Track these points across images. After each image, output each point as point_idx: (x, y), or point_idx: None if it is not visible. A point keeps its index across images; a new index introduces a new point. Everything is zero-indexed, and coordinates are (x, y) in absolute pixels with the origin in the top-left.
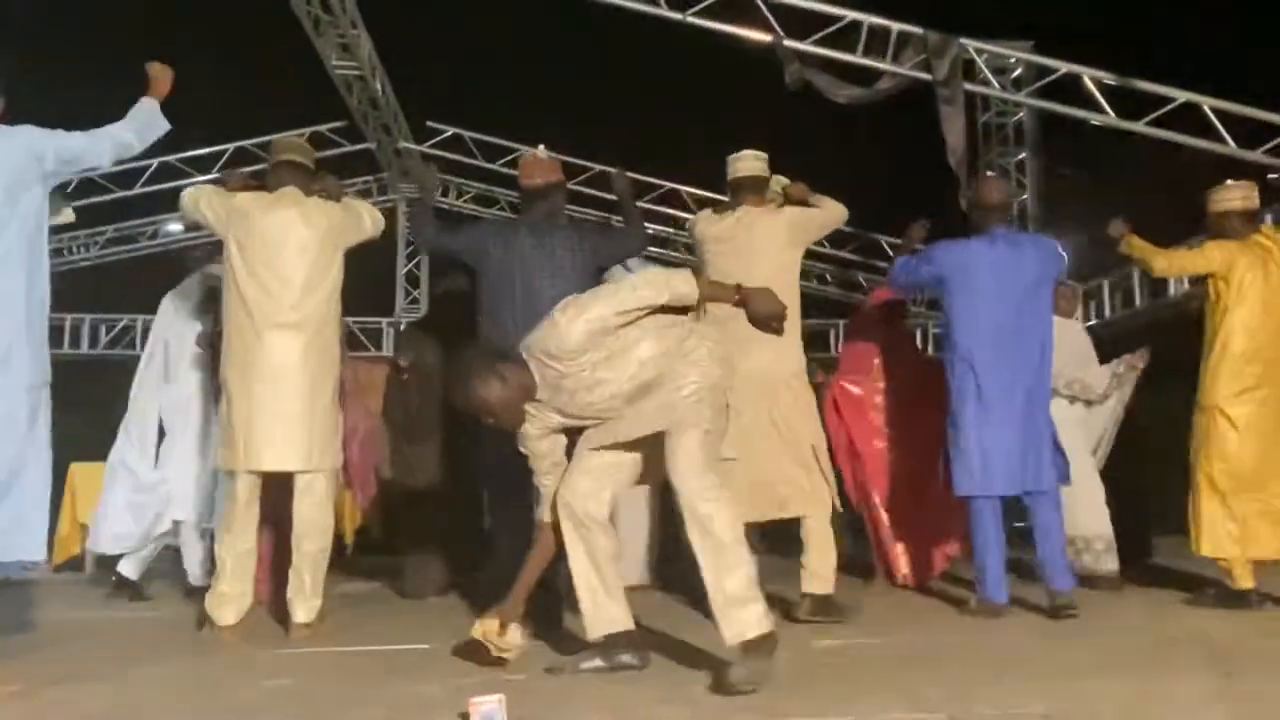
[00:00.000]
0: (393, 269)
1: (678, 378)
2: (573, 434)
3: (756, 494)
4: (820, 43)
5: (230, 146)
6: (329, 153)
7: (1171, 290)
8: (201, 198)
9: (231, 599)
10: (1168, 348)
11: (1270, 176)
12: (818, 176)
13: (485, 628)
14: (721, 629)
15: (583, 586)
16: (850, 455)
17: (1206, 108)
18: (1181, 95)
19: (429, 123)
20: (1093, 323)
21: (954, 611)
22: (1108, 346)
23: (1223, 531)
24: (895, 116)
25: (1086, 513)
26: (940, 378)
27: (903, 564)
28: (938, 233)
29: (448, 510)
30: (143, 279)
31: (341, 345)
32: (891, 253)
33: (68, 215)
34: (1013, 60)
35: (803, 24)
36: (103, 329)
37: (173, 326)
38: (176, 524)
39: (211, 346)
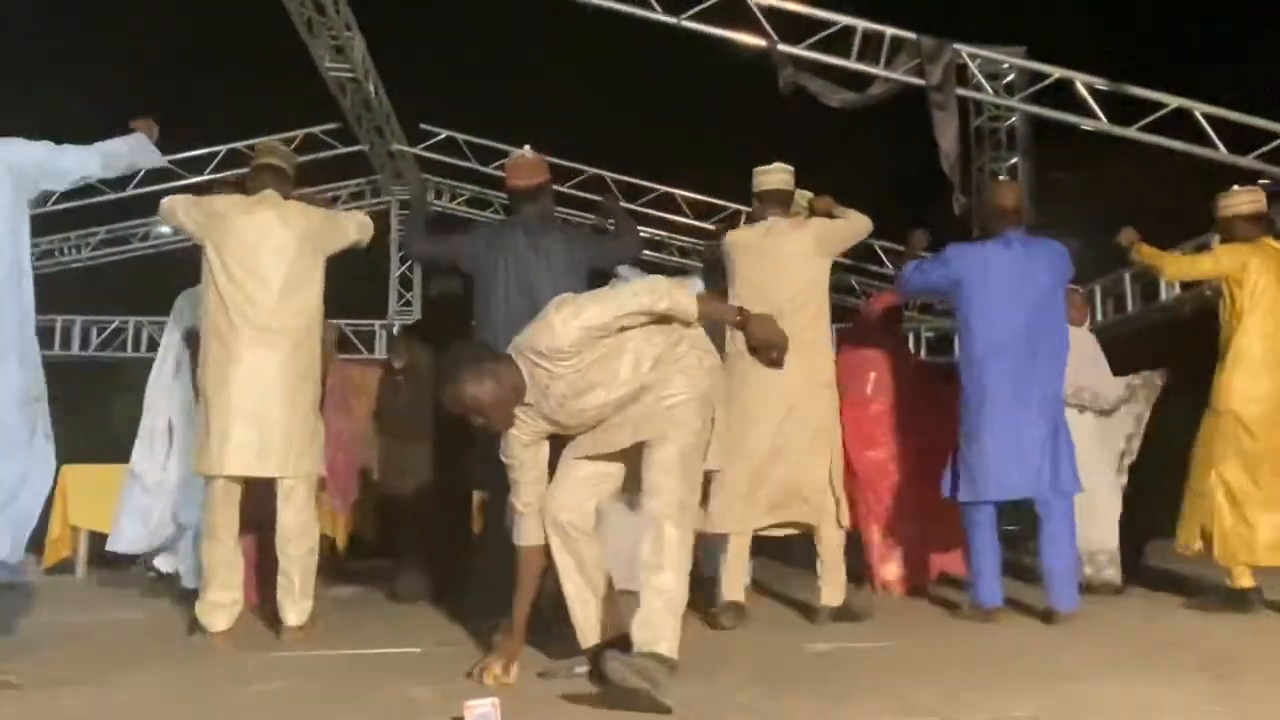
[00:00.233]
0: (386, 271)
1: (665, 386)
2: (555, 447)
3: (790, 501)
4: (814, 47)
5: (223, 149)
6: (322, 155)
7: (1163, 295)
8: (179, 204)
9: (222, 606)
10: (1159, 352)
11: (1261, 182)
12: (811, 181)
13: (491, 673)
14: (634, 629)
15: (574, 596)
16: (844, 465)
17: (1198, 113)
18: (1174, 101)
19: (422, 125)
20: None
21: (947, 615)
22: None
23: (1238, 539)
24: (888, 121)
25: (1094, 524)
26: (934, 385)
27: (888, 572)
28: (932, 237)
29: (438, 514)
30: (134, 281)
31: (329, 348)
32: (884, 257)
33: None
34: (1005, 66)
35: (797, 29)
36: (94, 331)
37: (185, 326)
38: (180, 526)
39: (190, 347)
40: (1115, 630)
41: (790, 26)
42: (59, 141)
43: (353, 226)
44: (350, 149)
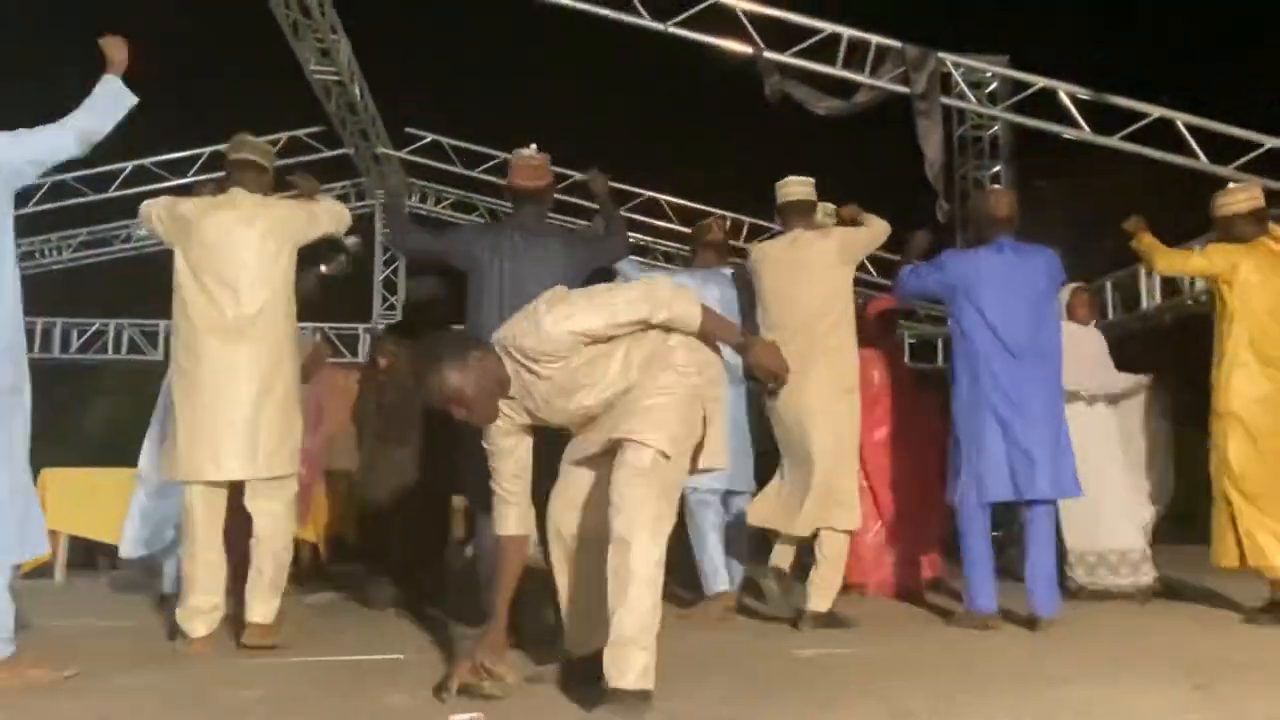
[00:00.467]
0: (370, 274)
1: (649, 384)
2: (554, 444)
3: (821, 504)
4: (800, 55)
5: (206, 150)
6: (306, 158)
7: (1144, 303)
8: (153, 210)
9: (202, 612)
10: (1138, 359)
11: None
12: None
13: (463, 675)
14: (606, 664)
15: (566, 603)
16: None
17: (1180, 123)
18: (1155, 111)
19: (407, 129)
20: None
21: (934, 620)
22: None
23: (1265, 538)
24: (873, 129)
25: (1115, 525)
26: (922, 391)
27: (879, 575)
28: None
29: (416, 518)
30: (116, 283)
31: (315, 361)
32: (867, 263)
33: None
34: (989, 75)
35: (783, 36)
36: (75, 333)
37: None
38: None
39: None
40: (1100, 636)
41: (776, 34)
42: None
43: (326, 217)
44: (334, 152)
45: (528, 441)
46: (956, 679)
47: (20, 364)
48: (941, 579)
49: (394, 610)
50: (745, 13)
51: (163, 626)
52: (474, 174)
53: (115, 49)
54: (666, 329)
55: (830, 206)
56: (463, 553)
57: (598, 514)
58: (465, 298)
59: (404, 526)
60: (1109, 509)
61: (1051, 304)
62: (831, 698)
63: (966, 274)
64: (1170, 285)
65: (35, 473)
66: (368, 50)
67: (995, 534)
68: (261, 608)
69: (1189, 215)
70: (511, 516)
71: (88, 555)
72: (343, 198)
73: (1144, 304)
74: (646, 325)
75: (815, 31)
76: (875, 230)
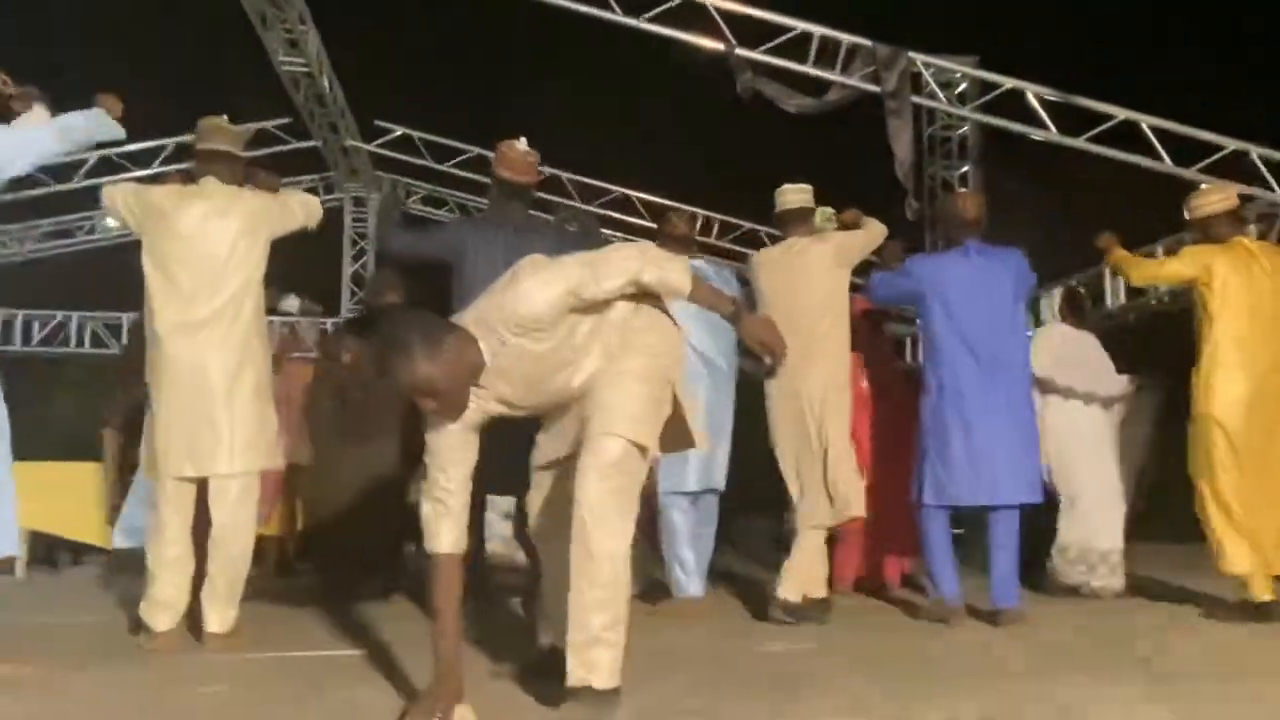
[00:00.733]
0: (338, 270)
1: (620, 368)
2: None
3: (848, 490)
4: (771, 52)
5: (171, 142)
6: (274, 149)
7: (1109, 302)
8: (119, 195)
9: (165, 605)
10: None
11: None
12: (767, 184)
13: None
14: (569, 663)
15: (548, 588)
16: None
17: (1145, 125)
18: (1121, 113)
19: (377, 122)
20: (1029, 334)
21: (898, 615)
22: None
23: (1236, 547)
24: (844, 127)
25: (1094, 523)
26: (910, 390)
27: (849, 570)
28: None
29: (380, 515)
30: (79, 275)
31: (279, 337)
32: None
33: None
34: (959, 75)
35: (754, 33)
36: (35, 325)
37: None
38: None
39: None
40: (1062, 632)
41: (748, 31)
42: None
43: (300, 210)
44: (303, 144)
45: (475, 446)
46: (918, 673)
47: None
48: (914, 575)
49: (358, 606)
50: (717, 9)
51: (126, 622)
52: (444, 168)
53: (112, 105)
54: (636, 304)
55: (829, 211)
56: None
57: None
58: (443, 292)
59: (366, 524)
60: (1098, 509)
61: (1019, 307)
62: (795, 691)
63: (933, 278)
64: (1133, 288)
65: None
66: (337, 42)
67: (957, 531)
68: (217, 618)
69: (1154, 217)
70: (447, 531)
71: (48, 551)
72: (311, 191)
73: (1109, 303)
74: (635, 286)
75: (787, 29)
76: (872, 233)
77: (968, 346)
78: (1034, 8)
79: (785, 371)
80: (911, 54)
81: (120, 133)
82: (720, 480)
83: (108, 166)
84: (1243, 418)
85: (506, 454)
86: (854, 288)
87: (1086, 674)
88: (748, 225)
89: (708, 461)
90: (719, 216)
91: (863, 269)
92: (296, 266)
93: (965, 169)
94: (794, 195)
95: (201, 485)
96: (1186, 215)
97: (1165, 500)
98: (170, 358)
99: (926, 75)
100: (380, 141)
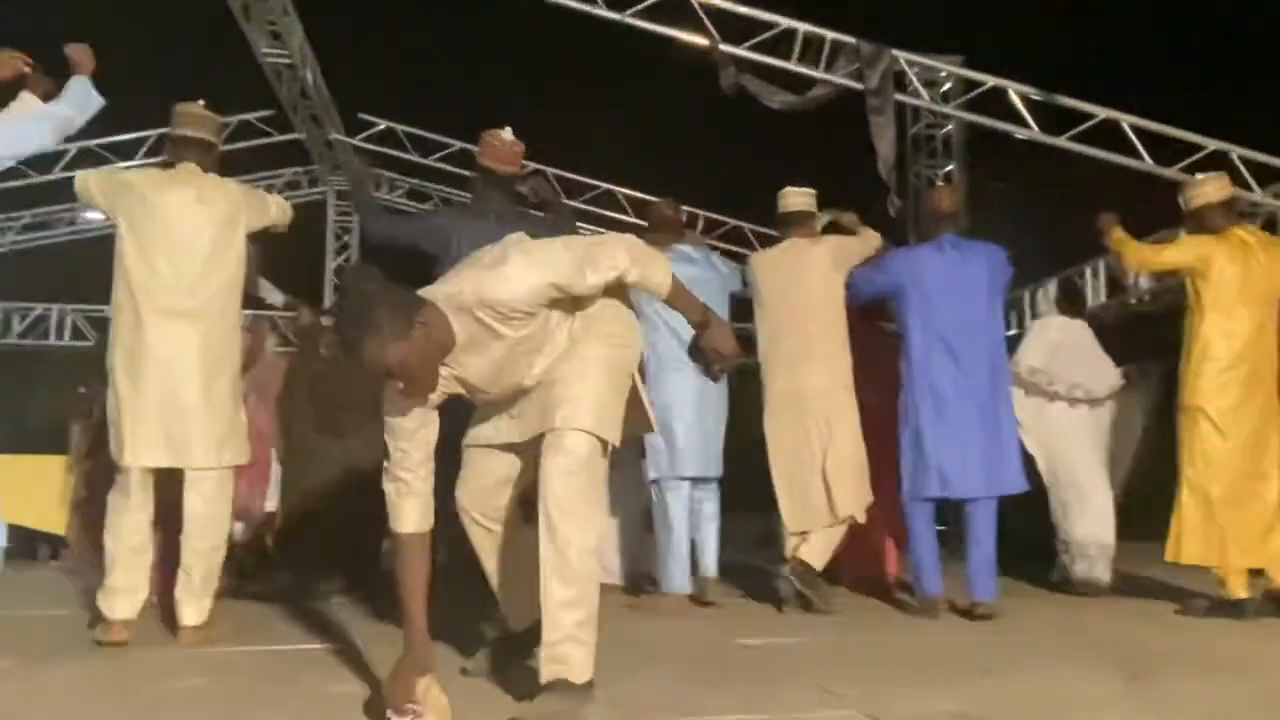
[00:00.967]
0: (322, 263)
1: (574, 361)
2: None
3: (841, 493)
4: (756, 49)
5: (153, 133)
6: (257, 142)
7: (1089, 300)
8: (91, 180)
9: (122, 593)
10: None
11: (1180, 199)
12: (751, 181)
13: (394, 700)
14: (543, 660)
15: (500, 583)
16: None
17: (1125, 125)
18: (1102, 112)
19: (361, 115)
20: (1014, 332)
21: (884, 613)
22: None
23: (1204, 538)
24: (828, 124)
25: (1087, 518)
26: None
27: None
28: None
29: (357, 510)
30: (59, 267)
31: (258, 346)
32: None
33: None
34: (944, 74)
35: (739, 29)
36: (16, 318)
37: None
38: None
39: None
40: (1037, 626)
41: (733, 27)
42: None
43: (273, 205)
44: (286, 137)
45: (435, 425)
46: (895, 667)
47: None
48: (901, 575)
49: (333, 601)
50: (702, 5)
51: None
52: (428, 162)
53: (82, 55)
54: (606, 300)
55: (825, 219)
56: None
57: (518, 493)
58: (425, 284)
59: (342, 519)
60: (1101, 502)
61: (996, 301)
62: (768, 686)
63: (908, 273)
64: (1114, 284)
65: None
66: (321, 34)
67: (941, 528)
68: (192, 611)
69: (1142, 217)
70: (411, 510)
71: (29, 544)
72: (293, 184)
73: (1089, 302)
74: (618, 283)
75: (771, 26)
76: (867, 241)
77: (943, 340)
78: (1020, 7)
79: (785, 370)
80: (895, 52)
81: (100, 100)
82: (717, 467)
83: (89, 158)
84: (1232, 410)
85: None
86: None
87: (1064, 669)
88: (732, 222)
89: (704, 447)
90: (703, 213)
91: None
92: (280, 260)
93: (950, 167)
94: (796, 198)
95: (167, 476)
96: (1182, 205)
97: (1147, 497)
98: (151, 344)
99: (910, 74)
100: (364, 135)
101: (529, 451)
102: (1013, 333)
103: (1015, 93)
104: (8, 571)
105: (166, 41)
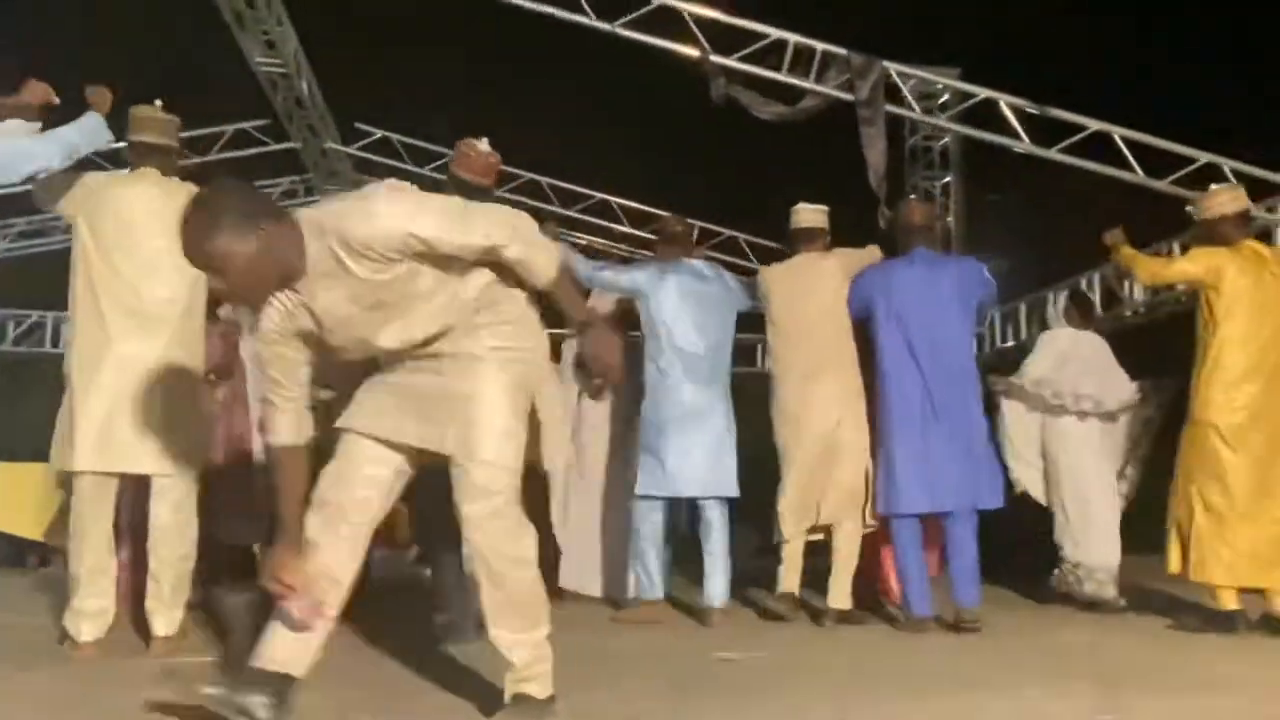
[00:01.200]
0: None
1: (467, 377)
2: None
3: (847, 502)
4: (746, 59)
5: None
6: (252, 151)
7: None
8: (50, 179)
9: (88, 615)
10: None
11: (1188, 208)
12: (742, 192)
13: (274, 573)
14: (507, 679)
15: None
16: None
17: (1117, 137)
18: (1094, 124)
19: (357, 124)
20: (1010, 344)
21: (867, 629)
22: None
23: (1214, 556)
24: (821, 135)
25: (1096, 540)
26: None
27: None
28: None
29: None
30: (54, 274)
31: (228, 341)
32: None
33: None
34: (939, 86)
35: (729, 40)
36: (11, 325)
37: None
38: None
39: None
40: (1016, 640)
41: (723, 38)
42: None
43: None
44: (280, 146)
45: (305, 359)
46: (871, 683)
47: None
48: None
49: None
50: (692, 16)
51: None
52: (424, 171)
53: (101, 97)
54: (507, 289)
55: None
56: (406, 558)
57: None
58: None
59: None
60: (1101, 523)
61: (968, 314)
62: (739, 702)
63: (879, 287)
64: (1111, 297)
65: None
66: (316, 43)
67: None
68: (163, 621)
69: (1141, 229)
70: (286, 425)
71: (18, 553)
72: (290, 193)
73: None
74: (493, 256)
75: (761, 36)
76: (870, 252)
77: (912, 354)
78: (1014, 20)
79: (796, 380)
80: (888, 64)
81: (109, 138)
82: (730, 486)
83: (83, 165)
84: (1245, 425)
85: None
86: None
87: (1039, 686)
88: (727, 232)
89: (710, 465)
90: (697, 223)
91: None
92: None
93: (947, 179)
94: (809, 215)
95: (135, 485)
96: (1194, 216)
97: (1147, 505)
98: (111, 347)
99: (904, 87)
100: (360, 144)
101: (422, 459)
102: (1009, 344)
103: (1008, 105)
104: None
105: (159, 51)
